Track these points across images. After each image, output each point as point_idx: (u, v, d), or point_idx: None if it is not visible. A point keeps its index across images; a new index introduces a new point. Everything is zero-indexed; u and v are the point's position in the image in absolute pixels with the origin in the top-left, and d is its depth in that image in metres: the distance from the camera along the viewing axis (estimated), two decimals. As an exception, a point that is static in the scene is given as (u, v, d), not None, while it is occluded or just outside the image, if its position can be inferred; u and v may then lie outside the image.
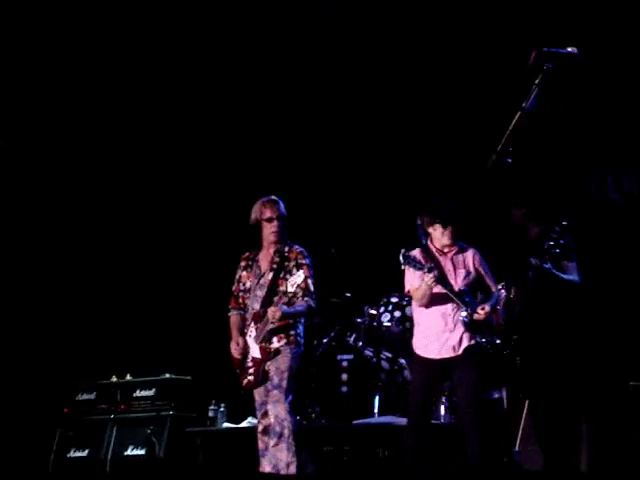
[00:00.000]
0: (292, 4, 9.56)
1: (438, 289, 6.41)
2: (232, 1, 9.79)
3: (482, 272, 6.62)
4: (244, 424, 8.46)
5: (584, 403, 6.70)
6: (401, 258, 6.37)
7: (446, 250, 6.62)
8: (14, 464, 9.22)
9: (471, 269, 6.59)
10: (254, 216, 7.14)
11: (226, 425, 8.61)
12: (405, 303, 8.37)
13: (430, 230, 6.63)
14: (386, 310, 8.55)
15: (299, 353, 6.98)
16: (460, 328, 6.46)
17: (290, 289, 6.84)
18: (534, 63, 4.96)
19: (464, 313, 6.42)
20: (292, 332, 6.94)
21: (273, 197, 7.16)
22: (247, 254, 7.28)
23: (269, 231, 7.08)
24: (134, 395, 9.07)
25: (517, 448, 7.21)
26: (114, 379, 9.30)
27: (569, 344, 6.59)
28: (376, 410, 8.13)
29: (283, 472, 6.75)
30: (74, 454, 9.06)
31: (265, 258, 7.14)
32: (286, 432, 6.76)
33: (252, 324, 7.03)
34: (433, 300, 6.48)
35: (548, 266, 6.43)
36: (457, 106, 8.97)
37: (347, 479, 7.64)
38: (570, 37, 5.29)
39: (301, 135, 9.85)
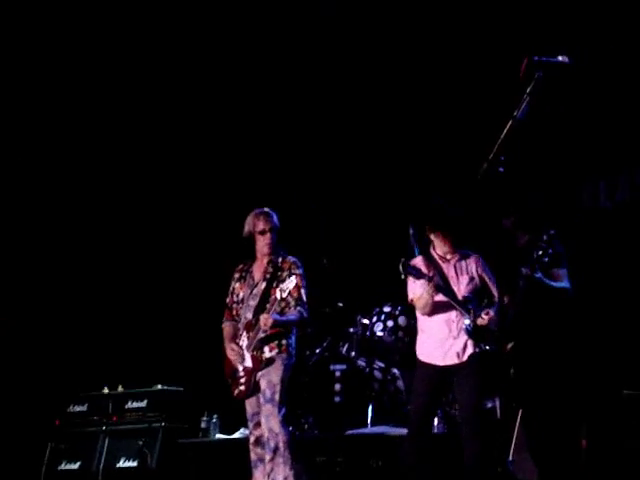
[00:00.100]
0: (292, 4, 9.55)
1: (441, 297, 6.39)
2: (232, 1, 9.77)
3: (486, 278, 6.60)
4: (237, 435, 8.43)
5: (578, 412, 6.69)
6: (401, 268, 6.35)
7: (449, 257, 6.60)
8: (5, 477, 9.16)
9: (474, 275, 6.57)
10: (247, 229, 7.15)
11: (218, 436, 8.58)
12: (397, 313, 8.37)
13: (432, 237, 6.61)
14: (379, 320, 8.53)
15: (291, 364, 6.96)
16: (464, 335, 6.44)
17: (282, 295, 6.81)
18: (525, 72, 4.96)
19: (467, 321, 6.39)
20: (284, 341, 6.92)
21: (266, 209, 7.17)
22: (241, 266, 7.29)
23: (262, 243, 7.10)
24: (126, 407, 9.02)
25: (511, 457, 7.19)
26: (106, 391, 9.25)
27: (562, 352, 6.58)
28: (369, 420, 8.11)
29: (281, 486, 6.75)
30: (65, 466, 9.00)
31: (258, 269, 7.15)
32: (281, 445, 6.75)
33: (244, 333, 7.02)
34: (437, 307, 6.46)
35: (539, 275, 6.41)
36: (449, 115, 8.97)
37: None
38: (561, 45, 5.28)
39: (301, 135, 9.82)
